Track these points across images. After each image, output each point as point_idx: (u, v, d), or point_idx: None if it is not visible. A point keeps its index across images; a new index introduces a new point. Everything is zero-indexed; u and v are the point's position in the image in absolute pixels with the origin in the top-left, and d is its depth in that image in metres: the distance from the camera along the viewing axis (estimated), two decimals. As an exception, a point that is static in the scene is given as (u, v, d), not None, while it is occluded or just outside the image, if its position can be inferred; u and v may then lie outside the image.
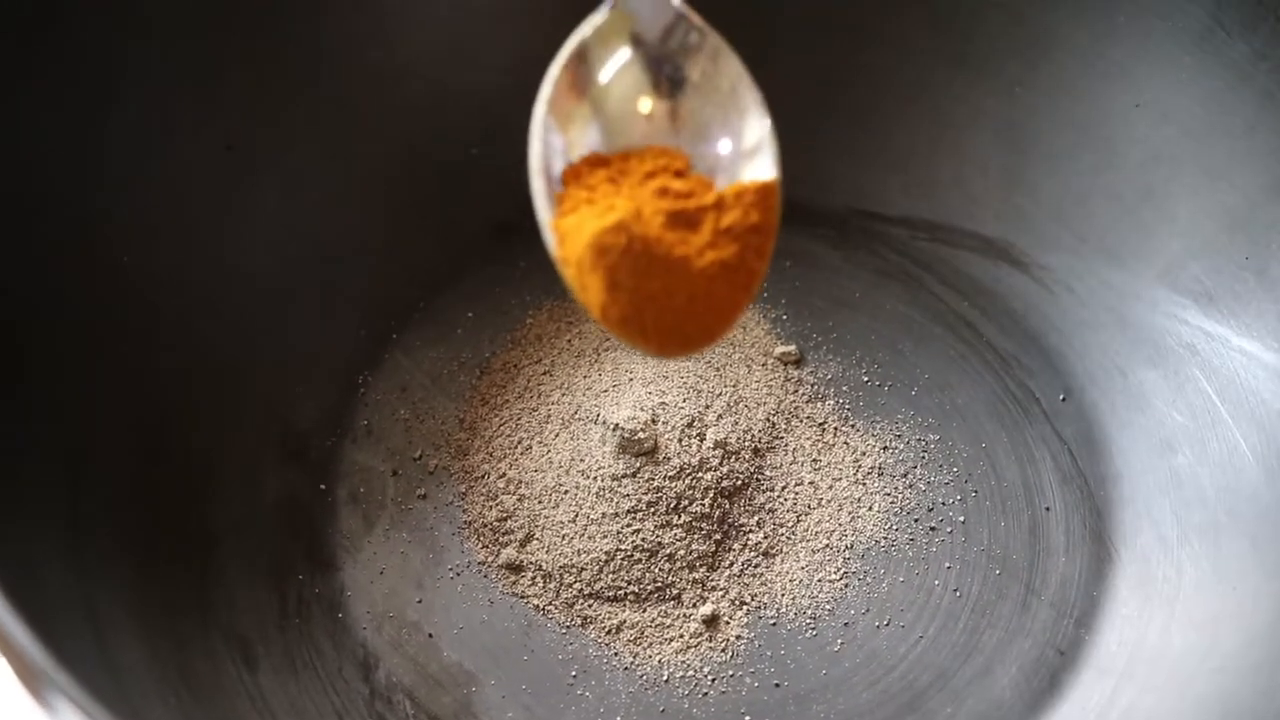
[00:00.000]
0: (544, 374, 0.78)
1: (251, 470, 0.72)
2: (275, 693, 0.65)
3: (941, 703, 0.68)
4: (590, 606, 0.70)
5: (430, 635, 0.70)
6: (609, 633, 0.70)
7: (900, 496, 0.74)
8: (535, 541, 0.72)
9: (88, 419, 0.65)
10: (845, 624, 0.70)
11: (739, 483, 0.72)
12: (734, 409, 0.75)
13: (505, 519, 0.73)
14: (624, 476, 0.70)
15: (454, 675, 0.69)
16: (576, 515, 0.71)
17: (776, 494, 0.73)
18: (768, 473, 0.74)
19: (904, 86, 0.81)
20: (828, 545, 0.72)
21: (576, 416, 0.74)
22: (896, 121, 0.82)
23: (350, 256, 0.78)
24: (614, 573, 0.70)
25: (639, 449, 0.71)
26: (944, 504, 0.74)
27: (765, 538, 0.72)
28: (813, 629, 0.70)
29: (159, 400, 0.69)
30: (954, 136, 0.81)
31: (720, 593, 0.70)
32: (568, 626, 0.70)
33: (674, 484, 0.71)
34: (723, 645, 0.69)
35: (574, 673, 0.69)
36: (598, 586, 0.70)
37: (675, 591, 0.70)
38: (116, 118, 0.70)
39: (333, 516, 0.73)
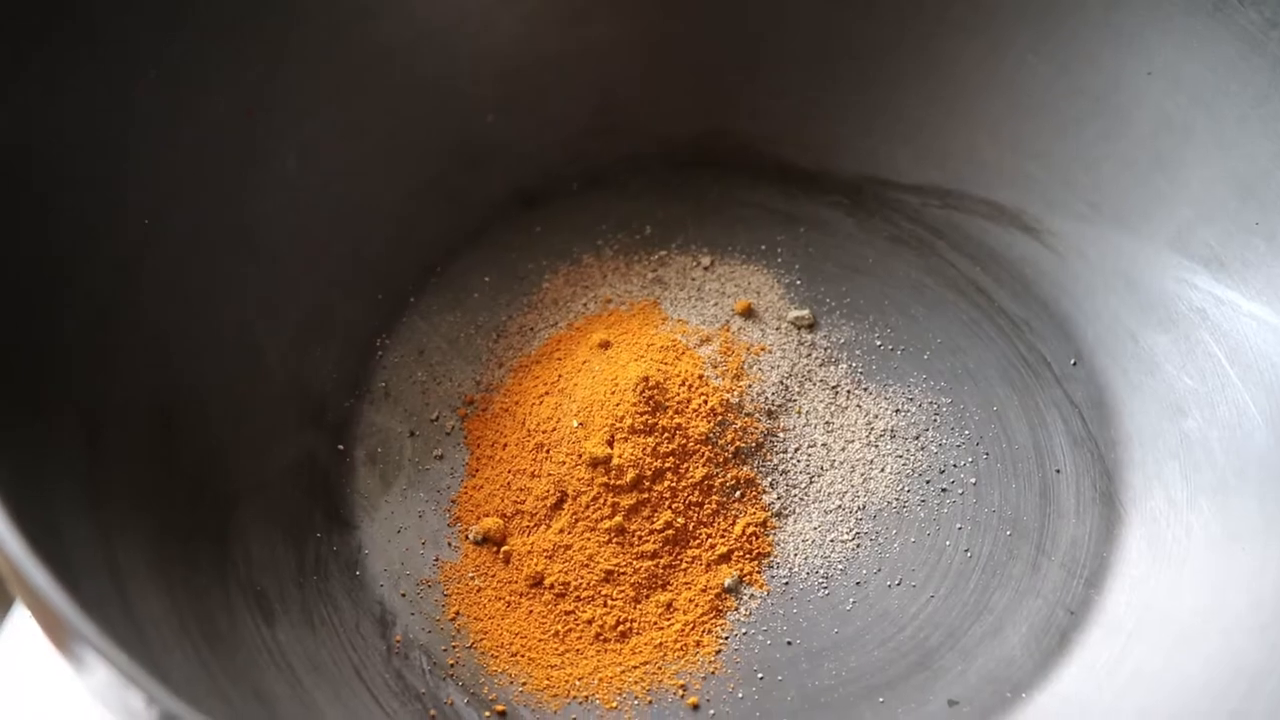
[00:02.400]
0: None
1: (271, 431, 0.72)
2: (293, 648, 0.65)
3: (952, 661, 0.68)
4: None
5: (446, 593, 0.70)
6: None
7: (912, 458, 0.75)
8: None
9: (108, 380, 0.65)
10: (857, 583, 0.71)
11: (753, 444, 0.73)
12: (748, 372, 0.75)
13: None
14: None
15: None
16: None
17: (790, 455, 0.74)
18: (781, 435, 0.74)
19: (917, 54, 0.82)
20: (840, 506, 0.73)
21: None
22: (909, 89, 0.82)
23: (368, 221, 0.79)
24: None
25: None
26: (955, 466, 0.74)
27: (778, 498, 0.72)
28: (825, 588, 0.71)
29: (179, 362, 0.69)
30: (966, 104, 0.81)
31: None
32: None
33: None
34: (735, 603, 0.70)
35: (589, 628, 0.70)
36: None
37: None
38: (138, 84, 0.70)
39: (351, 476, 0.74)
